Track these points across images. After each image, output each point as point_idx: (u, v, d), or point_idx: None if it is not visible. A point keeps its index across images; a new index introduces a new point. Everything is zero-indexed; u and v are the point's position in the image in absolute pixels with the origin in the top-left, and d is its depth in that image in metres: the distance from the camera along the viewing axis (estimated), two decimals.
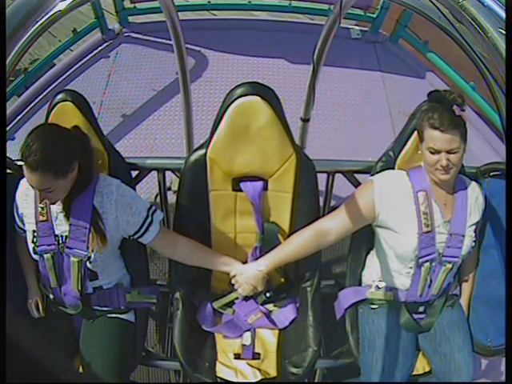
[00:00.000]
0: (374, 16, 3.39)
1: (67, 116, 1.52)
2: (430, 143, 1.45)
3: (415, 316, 1.68)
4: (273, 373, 1.67)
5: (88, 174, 1.47)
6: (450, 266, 1.58)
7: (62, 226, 1.50)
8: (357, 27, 3.53)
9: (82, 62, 3.25)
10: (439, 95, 1.50)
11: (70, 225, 1.48)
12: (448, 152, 1.43)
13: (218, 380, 1.63)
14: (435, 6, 1.07)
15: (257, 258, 1.70)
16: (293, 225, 1.71)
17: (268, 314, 1.77)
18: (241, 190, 1.67)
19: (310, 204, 1.70)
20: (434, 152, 1.45)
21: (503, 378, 2.10)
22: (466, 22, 0.99)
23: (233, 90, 1.56)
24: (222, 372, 1.65)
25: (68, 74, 3.19)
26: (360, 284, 1.78)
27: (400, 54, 3.41)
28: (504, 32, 0.92)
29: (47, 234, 1.50)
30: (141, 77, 3.19)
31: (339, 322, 1.76)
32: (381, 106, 3.14)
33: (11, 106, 2.97)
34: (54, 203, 1.43)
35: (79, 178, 1.44)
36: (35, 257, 1.54)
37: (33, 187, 1.37)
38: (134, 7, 3.35)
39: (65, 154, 1.36)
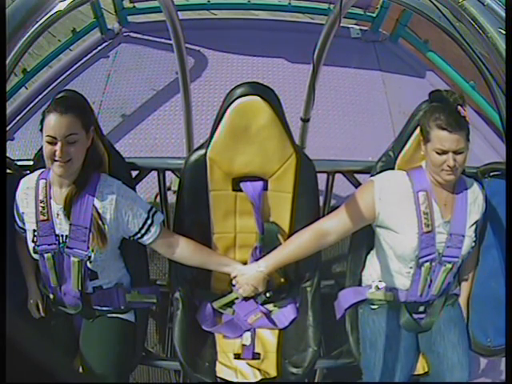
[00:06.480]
0: (374, 15, 3.39)
1: None
2: (438, 144, 1.44)
3: (415, 316, 1.68)
4: (273, 373, 1.67)
5: (98, 151, 1.54)
6: (450, 265, 1.58)
7: (62, 226, 1.50)
8: (357, 26, 3.53)
9: (82, 61, 3.25)
10: (441, 95, 1.50)
11: (71, 225, 1.48)
12: (455, 152, 1.43)
13: (218, 380, 1.63)
14: (435, 5, 1.07)
15: (257, 259, 1.70)
16: (293, 225, 1.71)
17: (268, 314, 1.77)
18: (241, 190, 1.67)
19: (309, 204, 1.70)
20: (442, 153, 1.45)
21: (503, 378, 2.10)
22: (465, 21, 0.99)
23: (233, 89, 1.56)
24: (222, 372, 1.65)
25: (68, 73, 3.19)
26: (360, 284, 1.78)
27: (400, 53, 3.41)
28: (504, 32, 0.92)
29: (48, 233, 1.51)
30: (140, 76, 3.18)
31: (339, 322, 1.76)
32: (381, 106, 3.14)
33: (11, 106, 2.96)
34: (68, 168, 1.41)
35: (91, 154, 1.48)
36: (35, 256, 1.54)
37: (55, 139, 1.37)
38: (134, 7, 3.35)
39: (89, 108, 1.49)
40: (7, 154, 1.72)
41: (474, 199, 1.58)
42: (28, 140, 2.84)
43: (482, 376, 2.16)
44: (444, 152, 1.44)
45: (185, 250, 1.61)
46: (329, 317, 1.78)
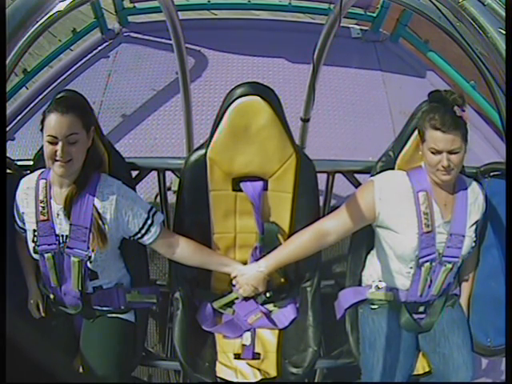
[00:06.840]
0: (375, 15, 3.39)
1: None
2: (432, 144, 1.45)
3: (415, 316, 1.68)
4: (273, 373, 1.67)
5: (98, 151, 1.54)
6: (450, 266, 1.58)
7: (62, 226, 1.51)
8: (357, 26, 3.53)
9: (82, 61, 3.25)
10: (440, 95, 1.50)
11: (71, 225, 1.49)
12: (449, 152, 1.43)
13: (218, 380, 1.63)
14: (435, 5, 1.07)
15: (257, 259, 1.70)
16: (293, 225, 1.71)
17: (268, 314, 1.77)
18: (241, 190, 1.67)
19: (310, 204, 1.70)
20: (436, 152, 1.45)
21: (503, 378, 2.10)
22: (465, 21, 0.99)
23: (233, 89, 1.56)
24: (222, 372, 1.65)
25: (68, 73, 3.19)
26: (360, 284, 1.78)
27: (400, 53, 3.41)
28: (504, 32, 0.92)
29: (48, 233, 1.51)
30: (141, 77, 3.18)
31: (339, 322, 1.76)
32: (381, 106, 3.14)
33: (11, 106, 2.96)
34: (69, 168, 1.41)
35: (91, 154, 1.48)
36: (36, 256, 1.54)
37: (56, 138, 1.37)
38: (134, 7, 3.35)
39: (89, 108, 1.50)
40: (7, 154, 1.72)
41: (474, 199, 1.58)
42: (28, 140, 2.84)
43: (483, 376, 2.16)
44: (438, 152, 1.44)
45: (185, 250, 1.61)
46: (329, 317, 1.78)
